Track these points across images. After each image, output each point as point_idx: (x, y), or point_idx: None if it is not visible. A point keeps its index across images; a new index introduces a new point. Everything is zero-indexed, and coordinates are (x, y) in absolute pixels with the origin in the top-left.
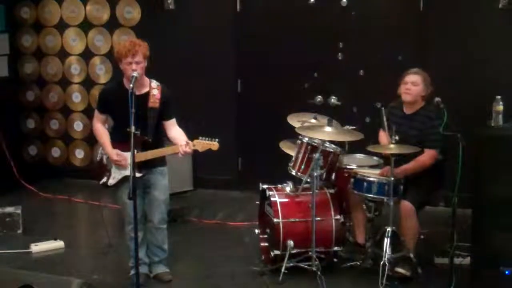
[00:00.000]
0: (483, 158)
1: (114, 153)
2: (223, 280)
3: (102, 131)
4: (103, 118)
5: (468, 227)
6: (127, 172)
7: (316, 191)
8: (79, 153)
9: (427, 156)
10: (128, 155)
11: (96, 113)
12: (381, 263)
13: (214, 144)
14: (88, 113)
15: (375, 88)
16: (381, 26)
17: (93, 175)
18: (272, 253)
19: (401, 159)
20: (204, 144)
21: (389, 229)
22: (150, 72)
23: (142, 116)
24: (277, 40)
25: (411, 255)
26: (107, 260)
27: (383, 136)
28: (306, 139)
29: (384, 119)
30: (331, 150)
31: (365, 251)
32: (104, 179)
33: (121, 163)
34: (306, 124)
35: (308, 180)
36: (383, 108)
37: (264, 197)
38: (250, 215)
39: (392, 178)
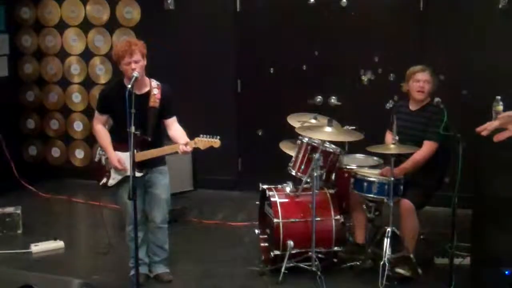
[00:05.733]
0: (483, 158)
1: (116, 159)
2: (223, 280)
3: (103, 133)
4: (104, 119)
5: (468, 227)
6: (128, 172)
7: (316, 191)
8: (79, 153)
9: (424, 150)
10: (128, 155)
11: (97, 114)
12: (381, 263)
13: (216, 142)
14: (88, 113)
15: (375, 88)
16: (381, 26)
17: (92, 175)
18: (272, 253)
19: (402, 159)
20: (206, 142)
21: (389, 229)
22: (150, 72)
23: (142, 115)
24: (277, 40)
25: (411, 255)
26: (107, 260)
27: (389, 137)
28: (306, 139)
29: (395, 121)
30: (331, 150)
31: (365, 252)
32: (104, 180)
33: (121, 169)
34: (306, 124)
35: (308, 180)
36: (394, 108)
37: (264, 197)
38: (250, 215)
39: (392, 178)
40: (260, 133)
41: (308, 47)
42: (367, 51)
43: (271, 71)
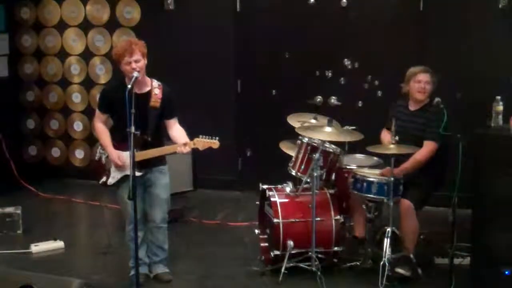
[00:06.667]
0: (483, 158)
1: (116, 156)
2: (223, 280)
3: (103, 130)
4: (104, 118)
5: (468, 227)
6: (127, 171)
7: (316, 191)
8: (79, 153)
9: (425, 150)
10: (128, 155)
11: (97, 113)
12: (381, 263)
13: (215, 143)
14: (88, 113)
15: (375, 88)
16: (381, 26)
17: (92, 175)
18: (272, 253)
19: (402, 159)
20: (205, 142)
21: (389, 229)
22: (150, 72)
23: (142, 115)
24: (277, 40)
25: (411, 255)
26: (107, 260)
27: (386, 135)
28: (306, 139)
29: (394, 121)
30: (331, 150)
31: (365, 249)
32: (104, 179)
33: (121, 166)
34: (306, 124)
35: (308, 180)
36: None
37: (264, 197)
38: (250, 215)
39: (392, 179)
40: (248, 154)
41: (308, 47)
42: (367, 51)
43: (271, 71)
